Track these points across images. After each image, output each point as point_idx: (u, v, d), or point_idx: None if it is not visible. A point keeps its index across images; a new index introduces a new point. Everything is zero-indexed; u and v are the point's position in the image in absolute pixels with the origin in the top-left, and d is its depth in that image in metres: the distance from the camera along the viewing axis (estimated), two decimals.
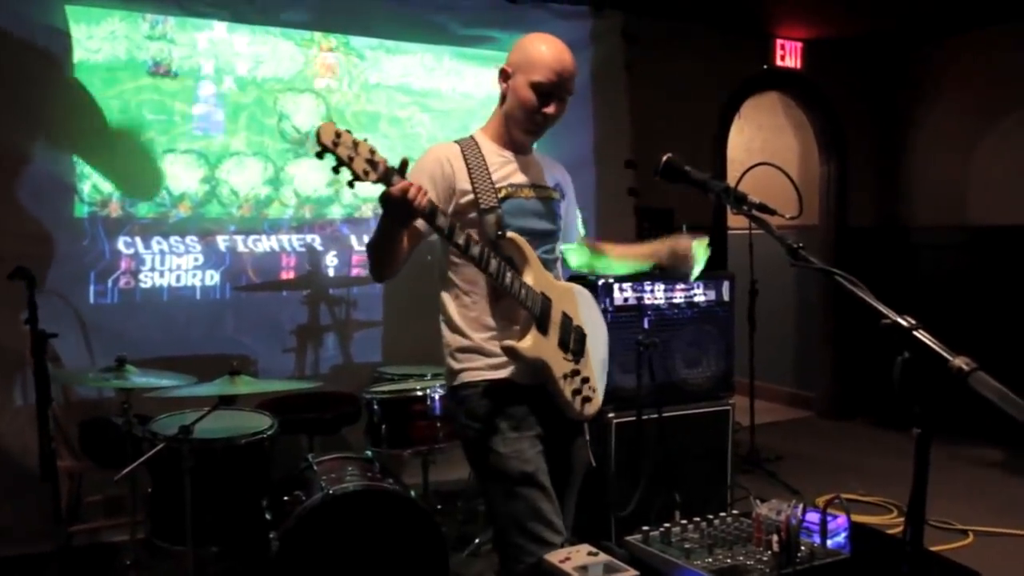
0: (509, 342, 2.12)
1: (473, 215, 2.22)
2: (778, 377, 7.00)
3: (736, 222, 5.90)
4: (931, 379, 1.31)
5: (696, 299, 3.84)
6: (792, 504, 2.00)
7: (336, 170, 1.87)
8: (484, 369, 2.23)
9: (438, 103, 4.88)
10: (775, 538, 1.91)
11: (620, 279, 3.69)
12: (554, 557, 1.92)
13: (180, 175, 4.24)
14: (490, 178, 2.25)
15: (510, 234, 2.18)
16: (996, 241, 5.93)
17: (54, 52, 3.93)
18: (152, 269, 4.18)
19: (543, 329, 2.16)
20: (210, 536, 2.93)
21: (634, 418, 3.42)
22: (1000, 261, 5.91)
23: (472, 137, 2.37)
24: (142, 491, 3.13)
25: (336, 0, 4.59)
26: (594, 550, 1.97)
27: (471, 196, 2.21)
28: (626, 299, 3.67)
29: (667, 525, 2.09)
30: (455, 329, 2.27)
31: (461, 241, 2.04)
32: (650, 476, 3.40)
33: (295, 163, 4.50)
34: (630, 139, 5.37)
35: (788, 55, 6.23)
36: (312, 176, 4.55)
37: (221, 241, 4.32)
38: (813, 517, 2.02)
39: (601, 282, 3.62)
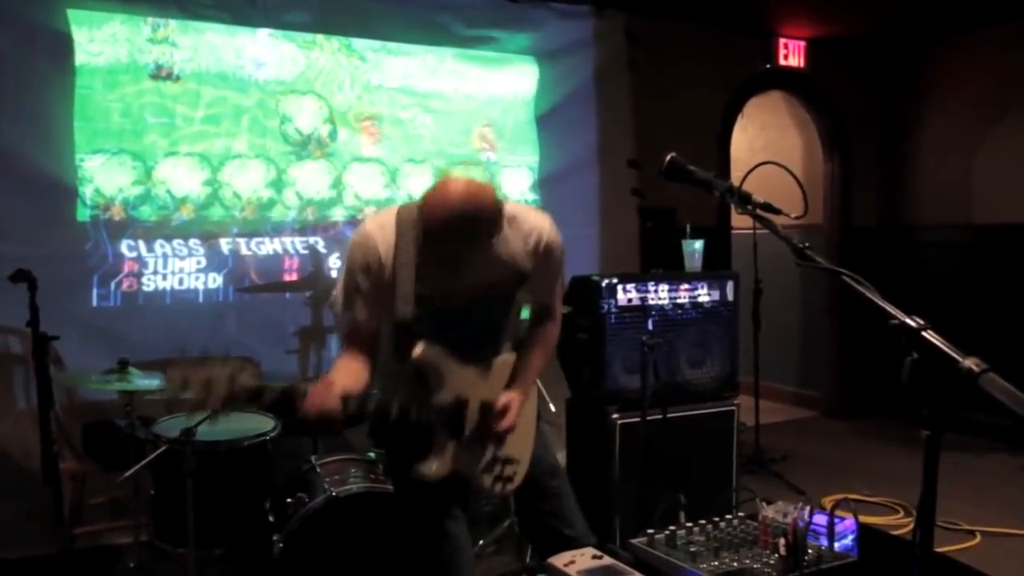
0: (419, 471, 2.11)
1: (393, 318, 2.12)
2: (783, 377, 6.98)
3: (740, 222, 5.89)
4: (940, 380, 1.29)
5: (700, 299, 3.82)
6: (799, 506, 1.98)
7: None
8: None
9: (440, 104, 4.86)
10: (782, 541, 1.90)
11: (623, 279, 3.67)
12: (559, 560, 1.91)
13: (182, 178, 4.23)
14: (413, 280, 2.08)
15: (417, 353, 2.07)
16: (1001, 240, 5.90)
17: (56, 55, 3.92)
18: (155, 272, 4.17)
19: (457, 435, 2.16)
20: (213, 538, 2.93)
21: (638, 419, 3.41)
22: (1005, 260, 5.88)
23: (414, 216, 2.10)
24: (145, 493, 3.12)
25: (337, 1, 4.58)
26: (599, 553, 1.96)
27: (389, 296, 2.10)
28: (630, 299, 3.66)
29: (672, 528, 2.08)
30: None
31: (371, 408, 2.04)
32: (654, 477, 3.38)
33: (297, 165, 4.49)
34: (633, 139, 5.35)
35: (791, 54, 6.21)
36: (314, 178, 4.54)
37: (224, 244, 4.31)
38: (820, 519, 2.01)
39: (605, 282, 3.61)
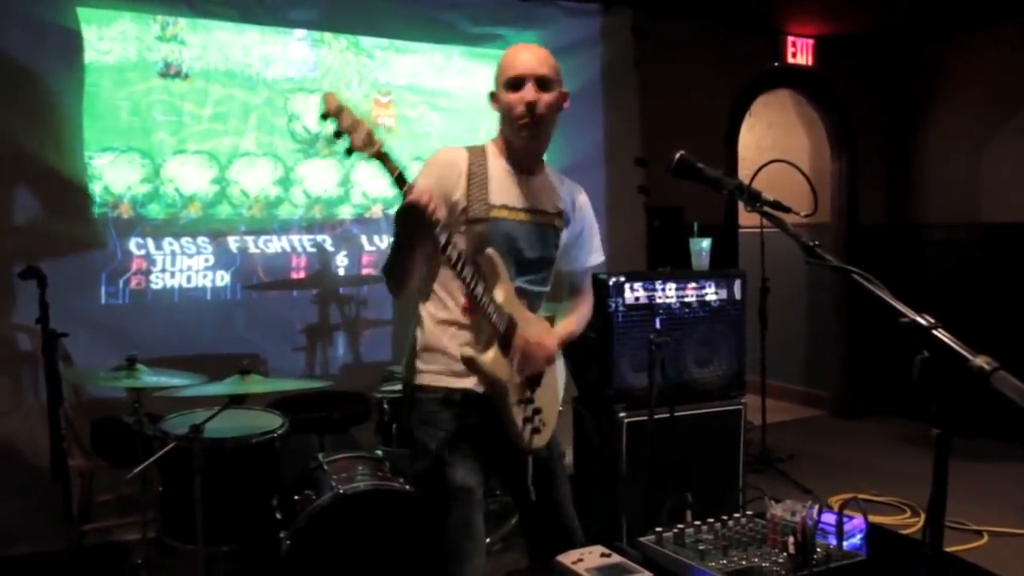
0: (469, 351, 2.11)
1: (462, 225, 2.20)
2: (790, 376, 6.96)
3: (747, 220, 5.88)
4: (950, 379, 1.29)
5: (708, 298, 3.82)
6: (807, 505, 1.98)
7: (338, 135, 1.89)
8: (444, 375, 2.25)
9: (448, 103, 4.87)
10: (791, 540, 1.89)
11: (631, 277, 3.67)
12: (567, 559, 1.91)
13: (191, 176, 4.24)
14: (487, 192, 2.22)
15: (488, 251, 2.16)
16: (1009, 238, 5.88)
17: (65, 53, 3.94)
18: (163, 270, 4.18)
19: (505, 349, 2.16)
20: (221, 535, 2.93)
21: (646, 417, 3.40)
22: (1013, 258, 5.86)
23: (483, 147, 2.33)
24: (153, 490, 3.13)
25: (343, 0, 4.58)
26: (607, 551, 1.95)
27: (464, 205, 2.20)
28: (637, 298, 3.65)
29: (680, 526, 2.07)
30: (424, 329, 2.29)
31: (442, 240, 2.03)
32: (661, 476, 3.38)
33: (305, 163, 4.50)
34: (640, 137, 5.35)
35: (799, 52, 6.20)
36: (322, 176, 4.55)
37: (232, 241, 4.32)
38: (829, 518, 2.00)
39: (612, 281, 3.60)
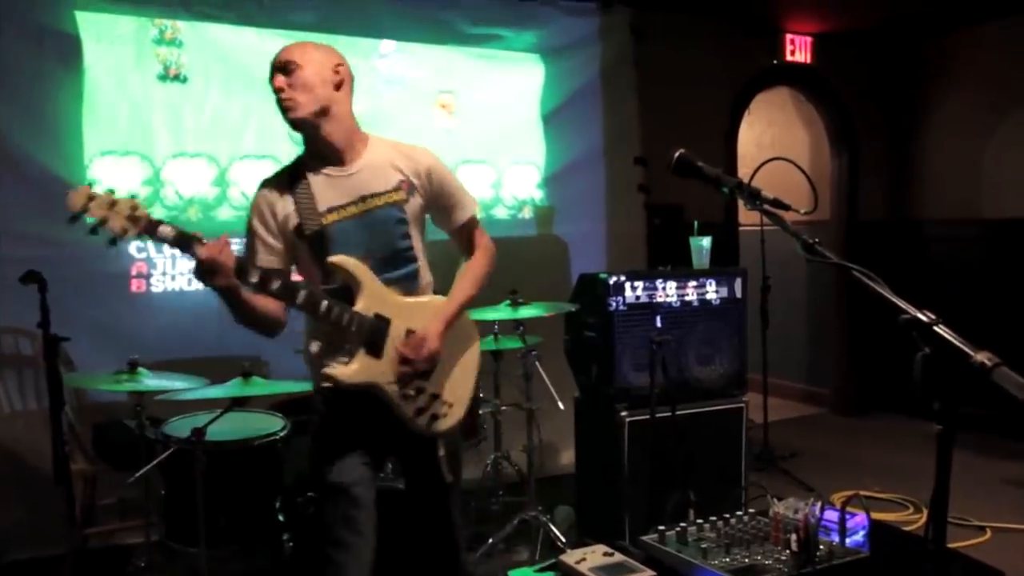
0: (329, 370, 2.13)
1: (303, 243, 2.19)
2: (792, 374, 6.96)
3: (748, 218, 5.88)
4: (951, 375, 1.29)
5: (708, 296, 3.82)
6: (810, 502, 1.98)
7: (94, 231, 1.88)
8: (321, 373, 2.22)
9: (448, 103, 4.86)
10: (794, 537, 1.89)
11: (631, 276, 3.67)
12: (569, 558, 1.91)
13: (191, 179, 4.24)
14: (314, 202, 2.19)
15: (333, 259, 2.14)
16: (1010, 234, 5.88)
17: (64, 57, 3.93)
18: (164, 273, 4.18)
19: (375, 352, 2.15)
20: (224, 538, 2.93)
21: (647, 416, 3.40)
22: (1014, 254, 5.86)
23: (299, 158, 2.31)
24: (155, 493, 3.13)
25: (344, 0, 4.58)
26: (609, 550, 1.96)
27: (296, 222, 2.18)
28: (638, 297, 3.66)
29: (683, 524, 2.08)
30: (309, 337, 2.29)
31: (275, 288, 2.05)
32: (663, 475, 3.38)
33: None
34: (639, 136, 5.35)
35: (798, 49, 6.20)
36: None
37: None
38: (832, 515, 2.00)
39: (612, 280, 3.60)
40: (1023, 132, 5.81)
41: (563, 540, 3.63)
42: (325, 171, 2.23)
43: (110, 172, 4.06)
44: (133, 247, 4.11)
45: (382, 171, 2.25)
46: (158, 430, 3.07)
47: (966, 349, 1.26)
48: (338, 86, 2.23)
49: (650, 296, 3.67)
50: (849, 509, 2.00)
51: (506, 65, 5.04)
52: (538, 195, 5.18)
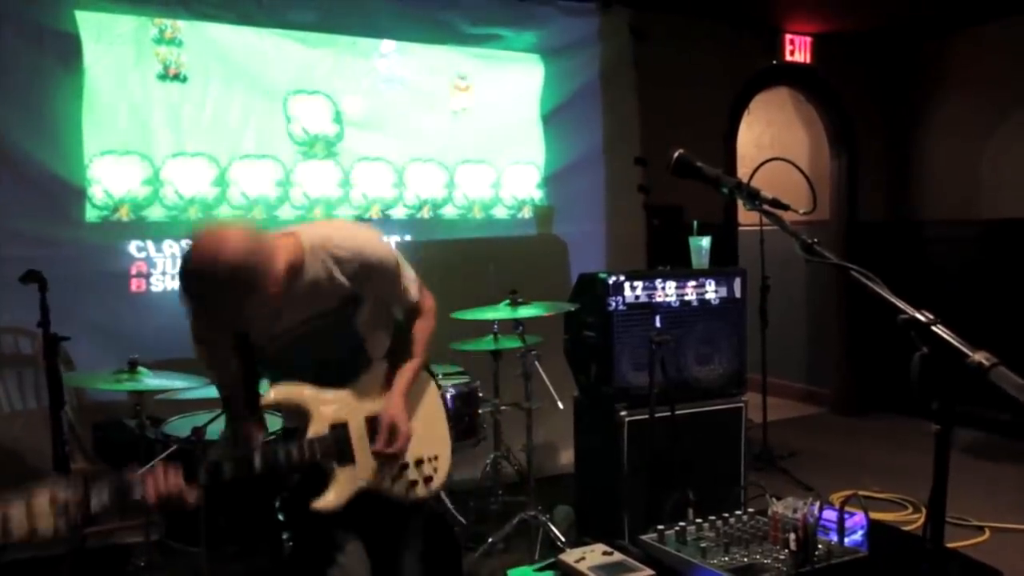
0: (315, 505, 2.03)
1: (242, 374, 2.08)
2: (791, 373, 6.97)
3: (747, 218, 5.88)
4: (949, 375, 1.29)
5: (708, 296, 3.82)
6: (809, 502, 1.98)
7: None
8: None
9: (447, 103, 4.86)
10: (792, 536, 1.90)
11: (630, 276, 3.68)
12: (569, 557, 1.92)
13: (190, 178, 4.24)
14: (246, 337, 2.04)
15: (270, 399, 2.05)
16: (1008, 234, 5.88)
17: (63, 56, 3.94)
18: (163, 272, 4.18)
19: (347, 459, 2.07)
20: (223, 537, 2.94)
21: (646, 416, 3.41)
22: (1012, 254, 5.86)
23: None
24: None
25: (343, 0, 4.59)
26: (609, 549, 1.96)
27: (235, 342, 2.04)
28: (637, 297, 3.66)
29: (682, 524, 2.08)
30: None
31: (228, 474, 1.90)
32: (662, 474, 3.38)
33: (305, 165, 4.50)
34: (639, 136, 5.35)
35: (797, 50, 6.20)
36: (322, 178, 4.55)
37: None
38: (830, 515, 2.01)
39: (612, 280, 3.61)
40: (1022, 133, 5.81)
41: (562, 539, 3.63)
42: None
43: (110, 172, 4.06)
44: (133, 247, 4.12)
45: (319, 287, 2.02)
46: (158, 429, 3.07)
47: (964, 349, 1.26)
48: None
49: (649, 296, 3.67)
50: (848, 509, 2.00)
51: (506, 65, 5.04)
52: (538, 195, 5.18)
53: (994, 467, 4.98)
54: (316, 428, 2.06)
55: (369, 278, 2.08)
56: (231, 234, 1.80)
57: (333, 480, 2.05)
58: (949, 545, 2.89)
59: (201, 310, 1.86)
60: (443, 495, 3.74)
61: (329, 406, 2.09)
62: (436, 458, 2.24)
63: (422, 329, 2.30)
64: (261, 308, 1.86)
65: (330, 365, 2.10)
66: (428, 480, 2.20)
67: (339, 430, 2.08)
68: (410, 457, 2.17)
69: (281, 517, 3.01)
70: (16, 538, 1.63)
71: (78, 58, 3.97)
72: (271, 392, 2.05)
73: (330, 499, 2.03)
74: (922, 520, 4.08)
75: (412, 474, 2.17)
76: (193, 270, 1.79)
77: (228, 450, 2.03)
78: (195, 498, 1.84)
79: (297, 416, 2.08)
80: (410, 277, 2.24)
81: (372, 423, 2.12)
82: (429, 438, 2.25)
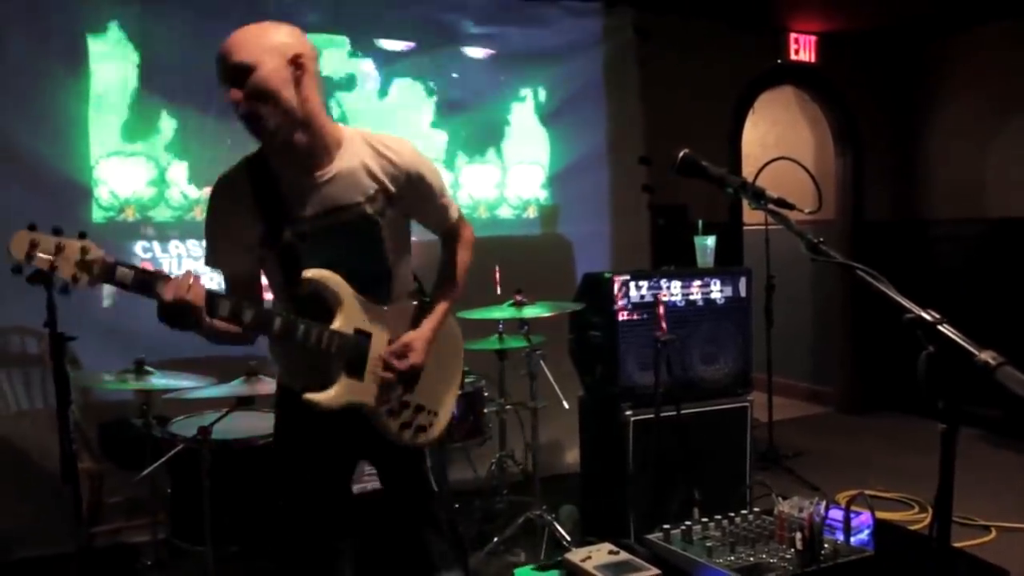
0: (309, 395, 1.97)
1: (270, 253, 2.01)
2: (796, 373, 6.96)
3: (752, 217, 5.87)
4: (956, 374, 1.29)
5: (713, 295, 3.82)
6: (815, 501, 1.99)
7: (44, 280, 1.74)
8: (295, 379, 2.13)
9: (452, 102, 4.86)
10: (798, 536, 1.90)
11: (636, 276, 3.68)
12: (575, 556, 1.92)
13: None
14: (282, 208, 1.98)
15: (308, 274, 1.96)
16: (1015, 233, 5.87)
17: (70, 57, 3.94)
18: (169, 272, 4.18)
19: (357, 372, 2.02)
20: (229, 536, 2.95)
21: (652, 416, 3.41)
22: (1019, 253, 5.85)
23: (263, 154, 2.05)
24: (162, 492, 3.14)
25: (347, 2, 4.59)
26: (615, 549, 1.96)
27: (262, 231, 1.99)
28: (643, 296, 3.66)
29: (688, 523, 2.08)
30: (273, 355, 2.22)
31: (248, 320, 1.89)
32: (668, 474, 3.38)
33: None
34: (643, 136, 5.35)
35: (802, 49, 6.19)
36: None
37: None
38: (836, 514, 2.01)
39: (617, 280, 3.61)
40: None
41: (568, 539, 3.63)
42: (293, 177, 2.00)
43: (116, 173, 4.07)
44: (139, 247, 4.13)
45: (356, 179, 2.02)
46: (164, 428, 3.08)
47: (970, 348, 1.26)
48: (300, 81, 1.93)
49: (655, 295, 3.67)
50: (854, 508, 2.00)
51: (509, 65, 5.04)
52: (542, 195, 5.18)
53: (1000, 466, 4.96)
54: (341, 323, 1.99)
55: (408, 181, 2.06)
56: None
57: (336, 382, 1.99)
58: (955, 545, 2.88)
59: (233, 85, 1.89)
60: (448, 494, 3.75)
61: (360, 311, 2.03)
62: (435, 414, 2.21)
63: (463, 259, 2.27)
64: (284, 118, 1.88)
65: (359, 277, 2.04)
66: (420, 430, 2.16)
67: (361, 338, 2.03)
68: (411, 398, 2.13)
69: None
70: (34, 265, 1.67)
71: (84, 59, 3.98)
72: (308, 271, 1.96)
73: (330, 394, 1.97)
74: (928, 519, 4.08)
75: (407, 416, 2.13)
76: (237, 39, 1.92)
77: (250, 300, 1.95)
78: (207, 325, 1.83)
79: (322, 307, 1.99)
80: (451, 197, 2.23)
81: (394, 348, 2.06)
82: (435, 393, 2.21)
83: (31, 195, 3.84)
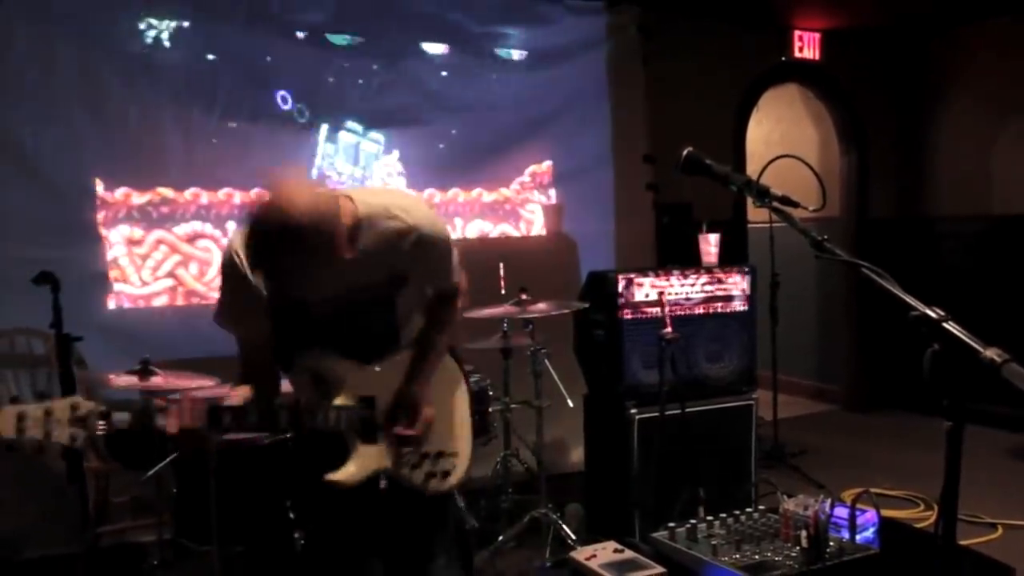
0: (329, 476, 1.97)
1: (272, 322, 2.00)
2: (801, 371, 6.94)
3: (756, 216, 5.86)
4: (961, 371, 1.29)
5: (717, 293, 3.82)
6: (820, 499, 1.98)
7: (39, 450, 1.68)
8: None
9: (456, 103, 4.86)
10: (804, 533, 1.90)
11: (640, 274, 3.67)
12: (580, 554, 1.92)
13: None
14: (288, 287, 1.89)
15: (306, 365, 2.01)
16: (1020, 230, 5.85)
17: (76, 61, 3.95)
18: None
19: (370, 436, 2.03)
20: (235, 535, 2.95)
21: (657, 414, 3.41)
22: None
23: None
24: (167, 492, 3.15)
25: (352, 2, 4.59)
26: (620, 547, 1.96)
27: (268, 303, 1.95)
28: (647, 295, 3.66)
29: (693, 521, 2.08)
30: None
31: (252, 422, 1.87)
32: (672, 472, 3.38)
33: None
34: (647, 134, 5.34)
35: (806, 46, 6.18)
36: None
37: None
38: (841, 512, 2.00)
39: (622, 278, 3.61)
40: None
41: (573, 537, 3.63)
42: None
43: (121, 174, 4.08)
44: (145, 247, 4.14)
45: (376, 259, 1.96)
46: None
47: (975, 345, 1.26)
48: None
49: (659, 294, 3.67)
50: (859, 506, 2.00)
51: (514, 64, 5.04)
52: (547, 194, 5.18)
53: (1006, 464, 4.95)
54: (344, 399, 2.01)
55: (424, 254, 2.02)
56: (301, 192, 1.74)
57: (353, 455, 1.99)
58: (961, 542, 2.88)
59: (264, 269, 1.79)
60: (456, 494, 3.75)
61: (360, 378, 2.04)
62: (456, 455, 2.20)
63: (452, 312, 2.25)
64: (325, 269, 1.79)
65: (362, 342, 2.05)
66: (446, 475, 2.16)
67: (367, 404, 2.04)
68: (429, 448, 2.13)
69: (292, 515, 3.02)
70: (27, 438, 1.59)
71: (91, 63, 3.99)
72: (307, 357, 1.99)
73: (351, 471, 1.97)
74: (934, 517, 4.07)
75: (429, 466, 2.13)
76: (264, 230, 1.73)
77: (254, 401, 1.93)
78: (214, 442, 1.79)
79: (324, 386, 2.01)
80: (452, 260, 2.18)
81: (397, 406, 2.07)
82: (450, 433, 2.21)
83: (36, 198, 3.86)
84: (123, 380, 3.15)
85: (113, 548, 3.71)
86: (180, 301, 4.21)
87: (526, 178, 5.09)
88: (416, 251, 1.99)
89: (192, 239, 4.24)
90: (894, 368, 6.29)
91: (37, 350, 3.88)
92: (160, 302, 4.16)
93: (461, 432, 2.24)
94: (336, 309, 1.97)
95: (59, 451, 1.60)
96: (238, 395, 1.91)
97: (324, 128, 4.51)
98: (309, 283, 1.82)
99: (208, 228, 4.28)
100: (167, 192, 4.18)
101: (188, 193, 4.22)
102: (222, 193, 4.31)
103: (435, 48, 4.82)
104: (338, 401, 2.00)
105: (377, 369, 2.09)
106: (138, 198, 4.12)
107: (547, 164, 5.16)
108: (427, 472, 2.12)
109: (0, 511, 3.66)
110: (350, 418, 1.99)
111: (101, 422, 1.66)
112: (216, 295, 2.04)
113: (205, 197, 4.26)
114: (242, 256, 1.89)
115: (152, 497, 3.26)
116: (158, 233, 4.17)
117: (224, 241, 4.26)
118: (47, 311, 3.03)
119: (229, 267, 1.94)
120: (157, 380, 3.11)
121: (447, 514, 2.26)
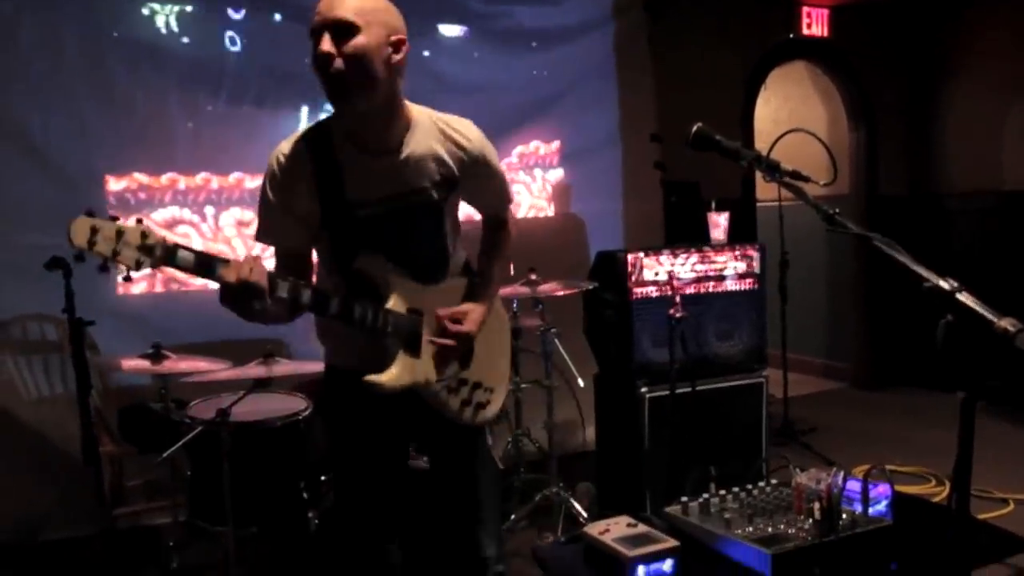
0: (370, 376, 1.94)
1: (325, 234, 1.99)
2: (811, 348, 6.94)
3: (765, 193, 5.84)
4: (975, 342, 1.29)
5: (727, 272, 3.81)
6: (832, 472, 1.99)
7: (104, 268, 1.66)
8: (349, 355, 2.11)
9: (463, 84, 4.83)
10: (816, 506, 1.90)
11: (649, 253, 3.67)
12: (593, 529, 1.93)
13: None
14: (341, 189, 1.94)
15: (357, 267, 1.96)
16: None
17: (85, 50, 3.95)
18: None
19: (414, 350, 2.00)
20: (249, 516, 2.97)
21: (667, 392, 3.41)
22: None
23: (328, 129, 1.99)
24: (182, 474, 3.18)
25: None
26: (633, 521, 1.97)
27: (318, 212, 1.96)
28: (656, 273, 3.65)
29: (706, 495, 2.09)
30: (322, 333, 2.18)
31: (306, 302, 1.86)
32: (683, 450, 3.38)
33: None
34: (655, 113, 5.32)
35: (815, 23, 6.13)
36: None
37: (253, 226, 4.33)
38: (854, 486, 2.01)
39: (631, 257, 3.60)
40: None
41: (584, 516, 3.65)
42: (359, 155, 1.95)
43: (130, 160, 4.09)
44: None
45: (424, 164, 1.99)
46: (183, 412, 3.11)
47: (989, 316, 1.26)
48: (390, 61, 1.88)
49: (668, 273, 3.66)
50: (872, 479, 2.00)
51: (520, 44, 5.01)
52: (555, 173, 5.17)
53: (1018, 440, 4.94)
54: (395, 304, 1.98)
55: (475, 171, 2.07)
56: None
57: (395, 361, 1.97)
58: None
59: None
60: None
61: (410, 292, 2.02)
62: (493, 391, 2.21)
63: (506, 241, 2.28)
64: (372, 91, 1.83)
65: (413, 260, 2.03)
66: (480, 407, 2.16)
67: (415, 316, 2.01)
68: (469, 375, 2.13)
69: (306, 496, 3.04)
70: (96, 252, 1.62)
71: (99, 51, 3.99)
72: (358, 260, 1.95)
73: (392, 374, 1.94)
74: (946, 492, 4.07)
75: (466, 393, 2.13)
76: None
77: (308, 283, 1.92)
78: (267, 304, 1.76)
79: (374, 292, 1.98)
80: (505, 181, 2.23)
81: (442, 322, 2.04)
82: (491, 368, 2.21)
83: (47, 185, 3.87)
84: (135, 364, 3.17)
85: (129, 530, 3.75)
86: (159, 288, 4.20)
87: (513, 159, 5.05)
88: (469, 165, 2.05)
89: (171, 225, 4.22)
90: (904, 346, 6.28)
91: (50, 336, 3.91)
92: (139, 289, 4.15)
93: (500, 373, 2.26)
94: (387, 211, 1.97)
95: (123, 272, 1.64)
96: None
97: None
98: (363, 177, 1.89)
99: (187, 213, 4.25)
100: (142, 178, 4.15)
101: (164, 179, 4.19)
102: (199, 178, 4.28)
103: (452, 30, 4.79)
104: (388, 305, 1.97)
105: (435, 288, 2.08)
106: (115, 184, 4.10)
107: (535, 144, 5.12)
108: (463, 400, 2.12)
109: (18, 495, 3.70)
110: (397, 323, 1.97)
111: (167, 252, 1.67)
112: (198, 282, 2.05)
113: (183, 182, 4.23)
114: (289, 156, 1.94)
115: (167, 480, 3.29)
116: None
117: (204, 227, 4.27)
118: (58, 298, 3.04)
119: (276, 170, 1.95)
120: (169, 364, 3.13)
121: (480, 446, 2.26)
